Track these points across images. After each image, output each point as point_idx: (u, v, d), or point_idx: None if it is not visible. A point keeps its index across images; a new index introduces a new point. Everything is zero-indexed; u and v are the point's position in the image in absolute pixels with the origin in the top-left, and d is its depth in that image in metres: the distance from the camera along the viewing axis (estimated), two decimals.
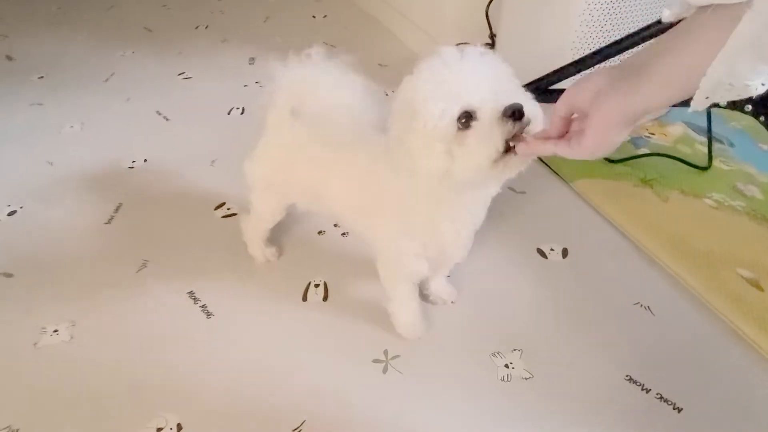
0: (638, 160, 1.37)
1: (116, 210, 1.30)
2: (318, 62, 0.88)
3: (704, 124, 1.46)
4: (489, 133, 0.64)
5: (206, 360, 0.96)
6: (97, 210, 1.30)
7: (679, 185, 1.29)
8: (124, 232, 1.24)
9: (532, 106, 0.66)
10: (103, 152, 1.51)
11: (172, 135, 1.59)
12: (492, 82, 0.66)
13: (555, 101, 1.26)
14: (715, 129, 1.36)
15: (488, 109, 0.65)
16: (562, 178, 1.35)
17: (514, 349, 0.96)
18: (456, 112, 0.65)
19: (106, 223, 1.27)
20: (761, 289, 1.04)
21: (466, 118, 0.65)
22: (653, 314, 1.01)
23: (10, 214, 1.30)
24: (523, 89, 0.71)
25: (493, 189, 0.81)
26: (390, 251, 0.91)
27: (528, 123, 0.65)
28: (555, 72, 1.26)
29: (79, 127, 1.63)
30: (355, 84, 0.87)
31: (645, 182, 1.30)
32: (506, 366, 0.93)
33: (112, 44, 2.13)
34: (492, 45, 1.67)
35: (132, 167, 1.45)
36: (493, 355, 0.95)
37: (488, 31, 1.68)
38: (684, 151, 1.40)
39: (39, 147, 1.54)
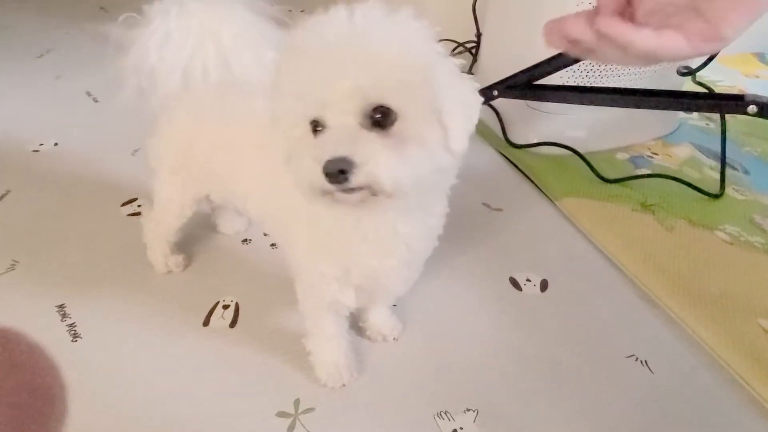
0: (638, 181, 1.15)
1: (0, 198, 1.06)
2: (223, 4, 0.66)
3: (714, 146, 1.27)
4: (304, 173, 0.48)
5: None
6: None
7: (686, 213, 1.07)
8: (0, 224, 1.00)
9: (383, 162, 0.46)
10: (10, 131, 1.28)
11: (97, 118, 1.36)
12: (368, 84, 0.45)
13: (540, 98, 1.04)
14: (728, 154, 1.15)
15: (313, 147, 0.47)
16: (546, 195, 1.12)
17: (467, 409, 0.72)
18: (307, 114, 0.49)
19: None
20: None
21: (317, 127, 0.49)
22: (651, 371, 0.78)
23: None
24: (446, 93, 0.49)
25: (433, 216, 0.61)
26: (307, 272, 0.68)
27: (367, 184, 0.46)
28: (539, 64, 1.04)
29: None
30: (271, 38, 0.66)
31: (645, 207, 1.08)
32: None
33: (59, 21, 1.91)
34: (478, 43, 1.46)
35: (37, 150, 1.22)
36: (439, 415, 0.71)
37: (474, 29, 1.48)
38: (691, 175, 1.19)
39: None
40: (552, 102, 1.06)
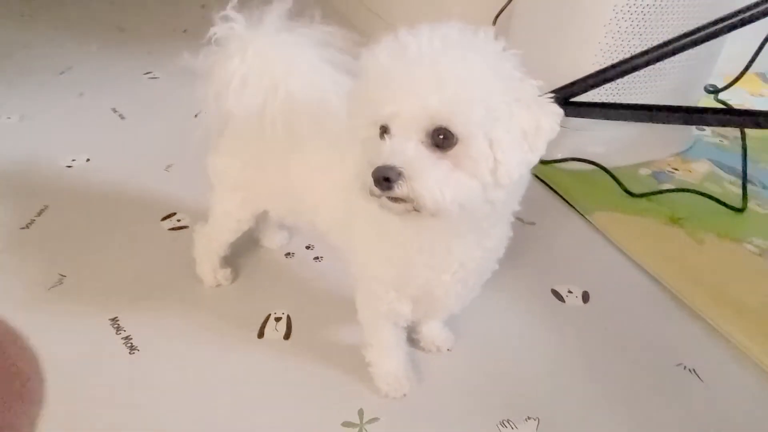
0: (663, 195, 1.18)
1: (39, 213, 1.06)
2: (288, 35, 0.68)
3: (729, 161, 1.32)
4: (357, 171, 0.52)
5: (120, 407, 0.71)
6: (16, 212, 1.06)
7: (714, 227, 1.10)
8: (42, 239, 1.00)
9: (430, 179, 0.49)
10: (40, 147, 1.28)
11: (126, 135, 1.37)
12: (433, 105, 0.48)
13: (577, 115, 1.08)
14: (747, 169, 1.19)
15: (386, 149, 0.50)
16: (575, 209, 1.15)
17: (528, 418, 0.73)
18: (376, 121, 0.52)
19: (23, 228, 1.03)
20: None
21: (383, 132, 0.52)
22: (701, 380, 0.80)
23: None
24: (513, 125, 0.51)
25: (491, 239, 0.63)
26: (366, 279, 0.69)
27: (411, 198, 0.49)
28: (574, 83, 1.08)
29: (17, 118, 1.40)
30: (336, 63, 0.69)
31: (674, 221, 1.11)
32: None
33: (77, 39, 1.92)
34: None
35: (70, 166, 1.22)
36: (502, 423, 0.72)
37: None
38: (713, 189, 1.22)
39: None
40: (589, 117, 1.09)
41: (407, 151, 0.49)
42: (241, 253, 0.98)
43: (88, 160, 1.25)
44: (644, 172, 1.28)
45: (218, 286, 0.91)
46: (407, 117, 0.49)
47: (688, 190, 1.18)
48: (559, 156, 1.27)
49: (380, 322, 0.72)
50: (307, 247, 1.01)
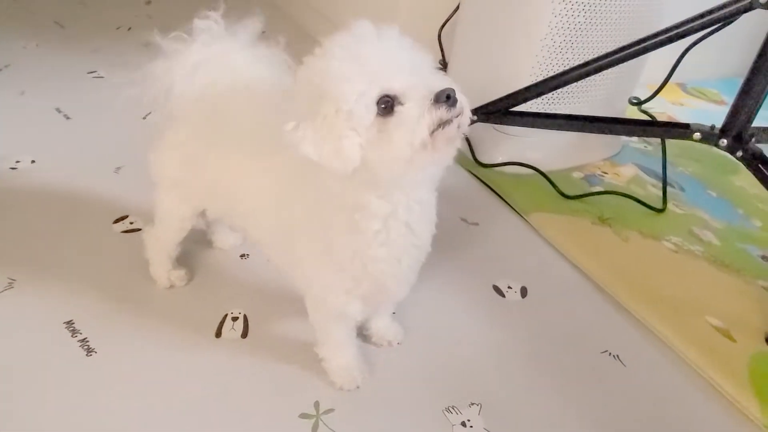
0: (594, 197, 1.28)
1: None
2: (223, 35, 0.75)
3: (653, 166, 1.44)
4: (416, 119, 0.54)
5: (80, 408, 0.73)
6: None
7: (638, 226, 1.21)
8: None
9: (461, 94, 0.56)
10: None
11: (73, 135, 1.35)
12: (414, 64, 0.57)
13: (516, 124, 1.15)
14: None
15: (417, 93, 0.55)
16: (515, 211, 1.23)
17: (472, 403, 0.80)
18: (376, 94, 0.55)
19: None
20: (733, 340, 0.95)
21: (386, 103, 0.55)
22: (624, 364, 0.89)
23: None
24: (444, 75, 0.61)
25: (429, 194, 0.68)
26: (316, 287, 0.74)
27: (460, 112, 0.56)
28: (513, 95, 1.16)
29: None
30: (273, 60, 0.76)
31: (603, 221, 1.21)
32: (463, 424, 0.77)
33: (14, 35, 1.85)
34: (444, 70, 1.57)
35: (15, 168, 1.20)
36: (447, 410, 0.78)
37: (440, 56, 1.59)
38: (637, 191, 1.34)
39: None
40: (526, 126, 1.17)
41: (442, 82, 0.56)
42: (197, 254, 1.01)
43: (33, 161, 1.22)
44: (577, 175, 1.38)
45: (172, 287, 0.93)
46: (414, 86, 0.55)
47: (615, 193, 1.29)
48: (500, 160, 1.35)
49: (331, 324, 0.77)
50: None
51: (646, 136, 1.51)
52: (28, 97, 1.50)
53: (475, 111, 1.15)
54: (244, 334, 0.86)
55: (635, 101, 1.28)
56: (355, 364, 0.81)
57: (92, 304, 0.89)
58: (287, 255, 0.75)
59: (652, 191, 1.35)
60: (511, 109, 1.15)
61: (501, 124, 1.16)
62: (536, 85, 1.16)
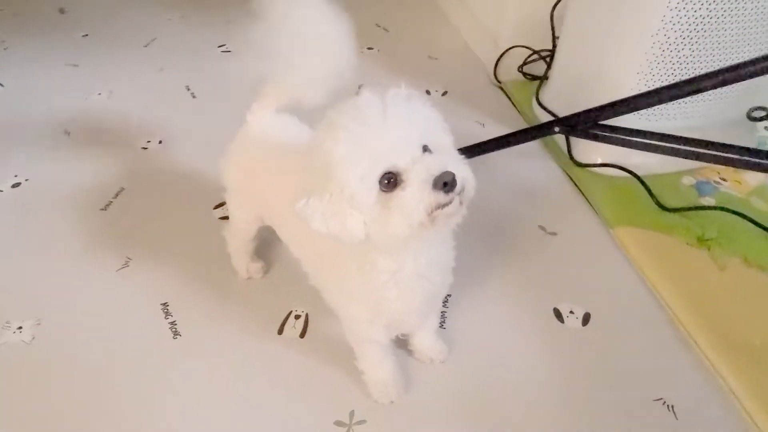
0: (700, 211, 1.16)
1: (116, 195, 1.24)
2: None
3: None
4: (415, 204, 0.56)
5: (158, 391, 0.88)
6: (99, 193, 1.25)
7: (744, 251, 1.08)
8: (116, 222, 1.18)
9: (463, 169, 0.58)
10: (122, 127, 1.46)
11: (196, 116, 1.51)
12: (419, 135, 0.59)
13: (603, 140, 1.06)
14: None
15: (417, 177, 0.56)
16: (603, 221, 1.16)
17: None
18: (378, 174, 0.57)
19: (102, 210, 1.21)
20: None
21: (389, 180, 0.57)
22: (676, 418, 0.84)
23: (14, 186, 1.27)
24: (451, 143, 0.63)
25: (440, 246, 0.71)
26: (340, 314, 0.80)
27: (461, 191, 0.58)
28: (611, 105, 1.06)
29: (107, 95, 1.59)
30: None
31: (702, 241, 1.10)
32: None
33: (161, 7, 2.06)
34: (552, 51, 1.47)
35: (146, 148, 1.39)
36: None
37: (551, 34, 1.48)
38: (758, 207, 1.17)
39: (62, 113, 1.51)
40: (613, 144, 1.08)
41: (447, 163, 0.57)
42: (276, 248, 1.11)
43: (160, 142, 1.40)
44: (687, 181, 1.25)
45: (249, 278, 1.05)
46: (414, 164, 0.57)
47: (725, 209, 1.15)
48: (598, 160, 1.26)
49: (364, 344, 0.83)
50: None
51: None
52: (165, 74, 1.69)
53: (557, 122, 1.08)
54: (303, 334, 0.96)
55: (760, 114, 1.09)
56: (392, 380, 0.86)
57: (184, 290, 1.03)
58: (317, 278, 0.81)
59: None
60: (601, 123, 1.06)
61: (587, 139, 1.07)
62: (647, 95, 1.02)
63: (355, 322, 0.77)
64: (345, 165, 0.57)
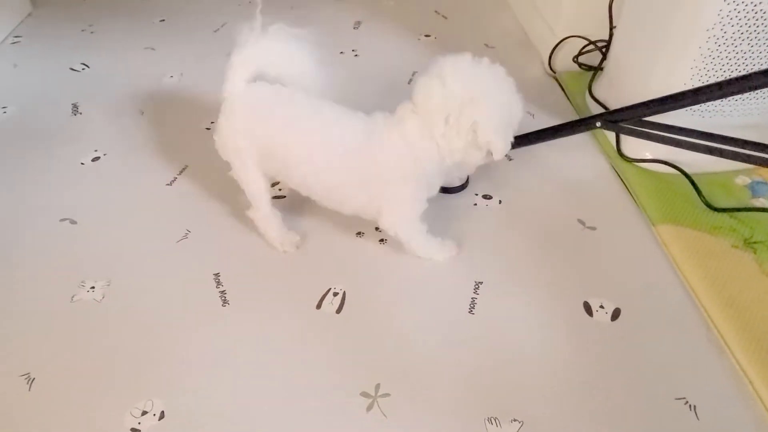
0: (750, 213, 1.12)
1: (180, 172, 1.35)
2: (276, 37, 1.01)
3: None
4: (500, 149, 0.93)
5: (206, 352, 0.97)
6: (165, 169, 1.36)
7: None
8: (179, 196, 1.28)
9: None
10: (189, 108, 1.56)
11: None
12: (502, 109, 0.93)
13: (647, 137, 1.05)
14: None
15: (502, 146, 0.92)
16: (646, 218, 1.15)
17: (514, 420, 0.86)
18: (504, 124, 0.93)
19: (168, 185, 1.32)
20: None
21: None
22: (698, 418, 0.85)
23: (93, 160, 1.41)
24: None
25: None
26: (403, 204, 1.02)
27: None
28: (659, 100, 1.04)
29: (178, 78, 1.70)
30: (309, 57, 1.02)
31: (748, 244, 1.07)
32: None
33: None
34: (609, 41, 1.44)
35: (209, 129, 1.49)
36: (489, 420, 0.86)
37: (608, 24, 1.45)
38: None
39: (139, 94, 1.64)
40: (657, 142, 1.05)
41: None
42: (318, 227, 1.18)
43: None
44: (741, 181, 1.21)
45: (285, 251, 1.13)
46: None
47: None
48: (647, 156, 1.24)
49: (415, 221, 1.06)
50: (376, 229, 1.17)
51: None
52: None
53: (600, 116, 1.07)
54: (339, 310, 1.03)
55: None
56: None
57: (236, 260, 1.12)
58: (337, 197, 1.06)
59: None
60: (646, 119, 1.04)
61: (631, 135, 1.06)
62: (697, 91, 1.00)
63: (417, 202, 1.02)
64: (480, 112, 0.89)
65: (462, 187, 1.25)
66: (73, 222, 1.23)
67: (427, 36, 1.84)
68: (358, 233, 1.17)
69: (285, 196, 1.27)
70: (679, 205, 1.15)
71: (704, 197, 1.15)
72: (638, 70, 1.23)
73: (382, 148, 0.96)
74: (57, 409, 0.90)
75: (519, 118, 0.94)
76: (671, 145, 1.03)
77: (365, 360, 0.95)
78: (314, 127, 0.99)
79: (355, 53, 1.77)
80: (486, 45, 1.78)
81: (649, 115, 1.02)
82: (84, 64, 1.78)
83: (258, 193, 1.09)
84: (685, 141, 1.01)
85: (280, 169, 1.06)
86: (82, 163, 1.40)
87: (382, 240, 1.15)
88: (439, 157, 0.96)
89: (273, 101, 1.02)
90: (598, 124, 1.05)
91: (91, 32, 1.98)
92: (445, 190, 1.22)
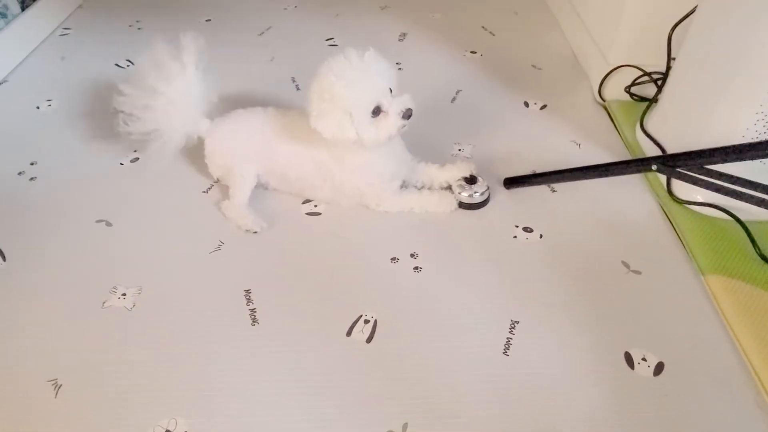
0: None
1: (217, 180, 1.34)
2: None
3: None
4: (393, 123, 1.08)
5: (232, 373, 0.96)
6: (203, 175, 1.35)
7: None
8: (214, 205, 1.27)
9: (413, 103, 1.09)
10: (229, 111, 1.55)
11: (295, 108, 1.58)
12: (388, 82, 1.08)
13: (706, 186, 0.99)
14: None
15: (395, 110, 1.07)
16: (695, 265, 1.10)
17: None
18: (372, 107, 1.06)
19: (204, 192, 1.31)
20: None
21: (376, 111, 1.07)
22: None
23: (132, 161, 1.41)
24: (396, 85, 1.11)
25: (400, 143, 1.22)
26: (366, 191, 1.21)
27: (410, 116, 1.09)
28: (722, 149, 0.97)
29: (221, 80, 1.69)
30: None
31: None
32: None
33: None
34: (665, 74, 1.38)
35: None
36: None
37: (666, 55, 1.39)
38: None
39: None
40: (718, 192, 0.99)
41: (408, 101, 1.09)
42: (351, 251, 1.15)
43: None
44: None
45: (253, 232, 1.19)
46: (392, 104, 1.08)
47: None
48: (698, 198, 1.19)
49: (390, 195, 1.25)
50: (411, 255, 1.14)
51: None
52: (274, 64, 1.78)
53: (657, 159, 1.02)
54: (369, 339, 1.00)
55: None
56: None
57: (266, 278, 1.11)
58: (313, 183, 1.23)
59: None
60: (707, 167, 0.98)
61: (687, 182, 0.99)
62: (755, 145, 0.95)
63: (372, 187, 1.20)
64: (352, 101, 1.04)
65: (484, 203, 1.24)
66: (108, 224, 1.23)
67: (473, 52, 1.80)
68: (393, 259, 1.15)
69: (320, 213, 1.25)
70: (732, 255, 1.10)
71: (759, 248, 1.09)
72: (697, 108, 1.17)
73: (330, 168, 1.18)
74: (81, 419, 0.89)
75: (391, 77, 1.09)
76: (732, 197, 0.97)
77: (394, 395, 0.92)
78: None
79: (399, 66, 1.74)
80: (533, 66, 1.73)
81: (713, 164, 0.97)
82: (129, 61, 1.79)
83: (245, 185, 1.23)
84: (748, 195, 0.95)
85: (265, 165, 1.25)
86: (121, 164, 1.40)
87: (416, 268, 1.12)
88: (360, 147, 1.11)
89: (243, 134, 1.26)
90: (654, 167, 1.00)
91: (138, 28, 1.99)
92: (467, 206, 1.23)
